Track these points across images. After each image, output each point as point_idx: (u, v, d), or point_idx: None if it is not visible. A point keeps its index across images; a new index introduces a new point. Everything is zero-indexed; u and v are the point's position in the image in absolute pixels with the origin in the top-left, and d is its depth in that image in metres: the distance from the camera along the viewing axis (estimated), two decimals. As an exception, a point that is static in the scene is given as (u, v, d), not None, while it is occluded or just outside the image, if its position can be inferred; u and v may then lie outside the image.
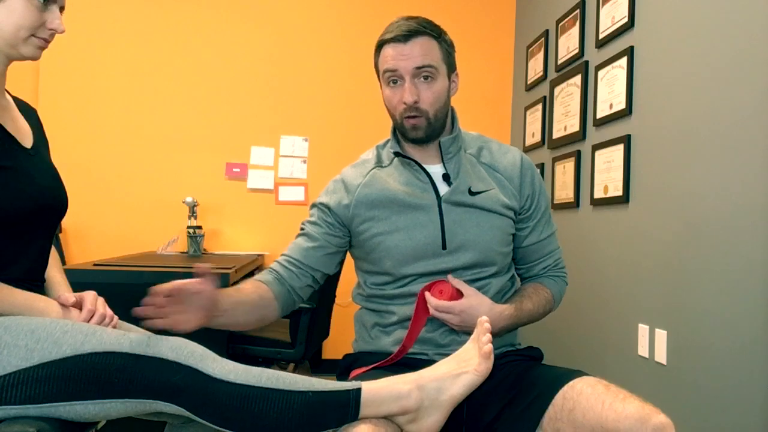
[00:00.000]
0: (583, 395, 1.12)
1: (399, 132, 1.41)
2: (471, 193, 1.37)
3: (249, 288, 1.36)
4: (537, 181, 1.44)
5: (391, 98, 1.35)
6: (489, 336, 1.12)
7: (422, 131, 1.35)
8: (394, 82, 1.34)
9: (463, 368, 1.11)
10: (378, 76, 1.39)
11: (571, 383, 1.16)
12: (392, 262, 1.36)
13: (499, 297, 1.38)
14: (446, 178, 1.38)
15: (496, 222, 1.37)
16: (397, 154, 1.41)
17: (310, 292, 1.44)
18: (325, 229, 1.43)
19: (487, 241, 1.35)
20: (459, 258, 1.35)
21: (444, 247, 1.34)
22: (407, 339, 1.33)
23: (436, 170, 1.39)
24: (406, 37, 1.31)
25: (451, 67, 1.39)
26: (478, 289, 1.34)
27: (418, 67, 1.31)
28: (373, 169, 1.44)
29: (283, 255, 1.44)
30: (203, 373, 1.04)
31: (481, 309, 1.28)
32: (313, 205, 1.47)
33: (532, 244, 1.44)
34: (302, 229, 1.46)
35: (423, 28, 1.32)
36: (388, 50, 1.33)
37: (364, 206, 1.40)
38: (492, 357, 1.12)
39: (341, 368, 1.43)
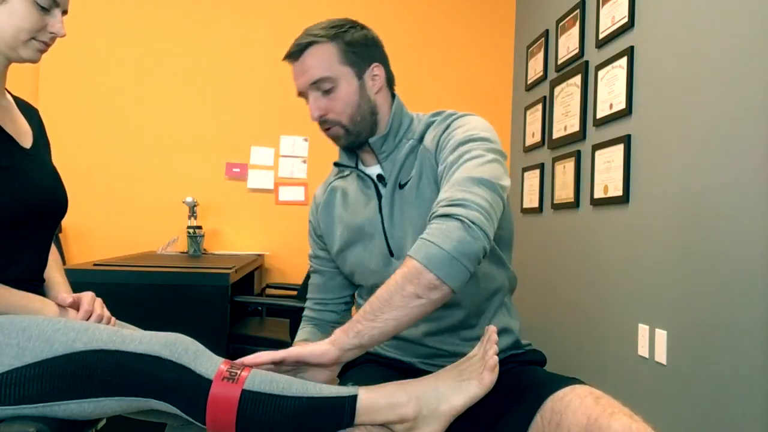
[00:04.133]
0: (570, 408, 1.07)
1: None
2: (400, 186, 1.30)
3: None
4: (449, 132, 1.26)
5: (310, 114, 1.32)
6: (495, 348, 1.08)
7: (343, 139, 1.34)
8: (306, 97, 1.31)
9: (465, 379, 1.08)
10: None
11: (560, 393, 1.11)
12: (358, 275, 1.38)
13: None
14: (380, 178, 1.34)
15: (423, 211, 1.24)
16: (336, 164, 1.43)
17: (351, 308, 1.46)
18: (324, 257, 1.45)
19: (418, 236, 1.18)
20: None
21: (392, 254, 1.30)
22: None
23: (374, 171, 1.36)
24: (297, 53, 1.28)
25: (362, 63, 1.31)
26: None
27: (313, 82, 1.28)
28: (334, 180, 1.45)
29: (307, 297, 1.48)
30: (195, 372, 1.02)
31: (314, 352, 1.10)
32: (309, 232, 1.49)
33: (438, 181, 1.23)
34: (310, 265, 1.49)
35: (314, 37, 1.28)
36: (291, 69, 1.31)
37: (324, 226, 1.42)
38: (497, 369, 1.07)
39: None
